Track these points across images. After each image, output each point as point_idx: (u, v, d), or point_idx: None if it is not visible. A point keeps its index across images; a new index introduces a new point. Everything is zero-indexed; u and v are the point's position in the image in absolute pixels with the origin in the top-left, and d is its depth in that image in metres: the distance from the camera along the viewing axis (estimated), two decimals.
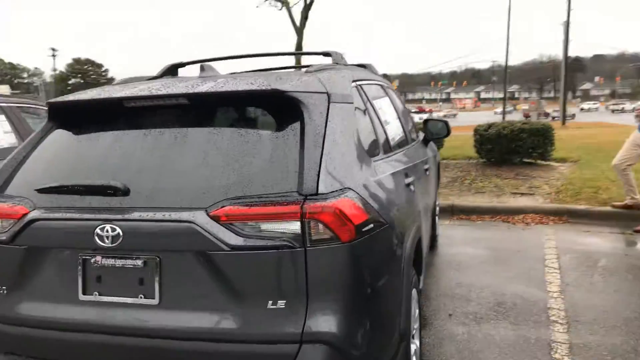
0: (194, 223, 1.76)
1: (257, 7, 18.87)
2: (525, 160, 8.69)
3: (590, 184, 7.00)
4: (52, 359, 1.97)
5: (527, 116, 39.69)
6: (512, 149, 8.50)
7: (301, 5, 16.33)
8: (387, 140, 2.80)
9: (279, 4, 17.69)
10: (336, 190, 1.79)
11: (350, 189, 1.86)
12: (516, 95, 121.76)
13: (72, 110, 2.28)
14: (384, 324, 1.99)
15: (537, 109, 45.76)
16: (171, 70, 3.08)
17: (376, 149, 2.48)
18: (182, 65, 3.18)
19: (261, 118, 2.04)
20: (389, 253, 2.08)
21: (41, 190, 1.99)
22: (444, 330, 3.40)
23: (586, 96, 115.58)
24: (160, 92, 2.05)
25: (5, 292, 2.02)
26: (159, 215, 1.81)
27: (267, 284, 1.76)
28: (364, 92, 2.73)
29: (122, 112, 2.17)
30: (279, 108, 1.99)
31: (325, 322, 1.76)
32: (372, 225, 1.90)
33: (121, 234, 1.82)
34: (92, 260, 1.89)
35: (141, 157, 2.02)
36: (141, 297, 1.86)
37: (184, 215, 1.78)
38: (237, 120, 2.08)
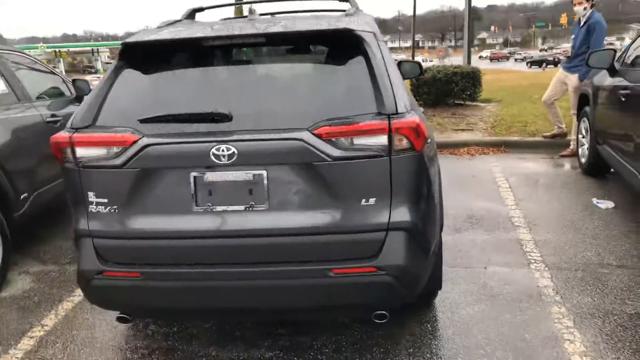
0: (303, 140, 2.12)
1: None
2: (457, 101, 9.57)
3: (518, 119, 7.98)
4: (169, 264, 2.28)
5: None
6: (446, 92, 9.32)
7: None
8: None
9: None
10: (407, 111, 2.23)
11: (412, 110, 2.30)
12: (420, 44, 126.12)
13: (146, 49, 2.48)
14: (435, 215, 2.50)
15: (444, 55, 48.75)
16: (191, 14, 3.29)
17: None
18: (201, 9, 3.39)
19: (333, 52, 2.40)
20: (434, 161, 2.57)
21: (145, 120, 2.23)
22: None
23: (483, 44, 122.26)
24: (245, 32, 2.33)
25: (116, 211, 2.27)
26: (269, 135, 2.15)
27: (361, 185, 2.18)
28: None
29: (199, 50, 2.43)
30: (347, 44, 2.36)
31: (404, 214, 2.23)
32: (429, 139, 2.38)
33: (236, 152, 2.13)
34: (204, 176, 2.20)
35: (233, 88, 2.31)
36: (252, 204, 2.21)
37: (293, 134, 2.14)
38: (314, 54, 2.42)
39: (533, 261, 3.59)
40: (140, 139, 2.19)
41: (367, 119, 2.16)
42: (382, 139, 2.15)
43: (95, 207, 2.28)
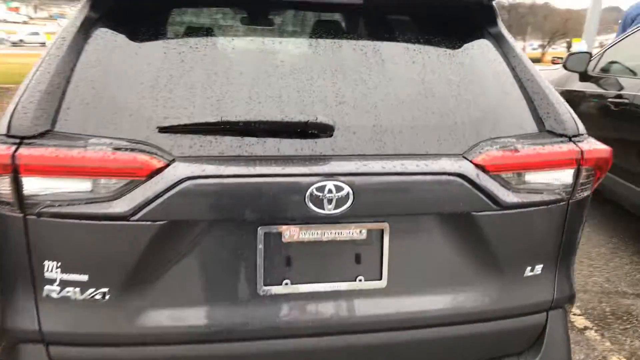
0: (462, 175, 1.27)
1: None
2: None
3: None
4: None
5: None
6: None
7: None
8: None
9: None
10: (585, 133, 1.51)
11: None
12: None
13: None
14: None
15: None
16: None
17: None
18: None
19: (462, 37, 1.56)
20: None
21: (170, 129, 1.18)
22: None
23: None
24: None
25: (106, 296, 1.19)
26: (407, 165, 1.25)
27: (529, 247, 1.43)
28: None
29: (248, 12, 1.44)
30: (479, 26, 1.57)
31: (566, 284, 1.56)
32: None
33: (351, 193, 1.21)
34: (285, 234, 1.23)
35: (323, 82, 1.36)
36: (359, 280, 1.31)
37: (447, 164, 1.27)
38: (435, 34, 1.54)
39: None
40: (168, 165, 1.15)
41: (546, 142, 1.40)
42: (566, 175, 1.41)
43: (58, 288, 1.19)
